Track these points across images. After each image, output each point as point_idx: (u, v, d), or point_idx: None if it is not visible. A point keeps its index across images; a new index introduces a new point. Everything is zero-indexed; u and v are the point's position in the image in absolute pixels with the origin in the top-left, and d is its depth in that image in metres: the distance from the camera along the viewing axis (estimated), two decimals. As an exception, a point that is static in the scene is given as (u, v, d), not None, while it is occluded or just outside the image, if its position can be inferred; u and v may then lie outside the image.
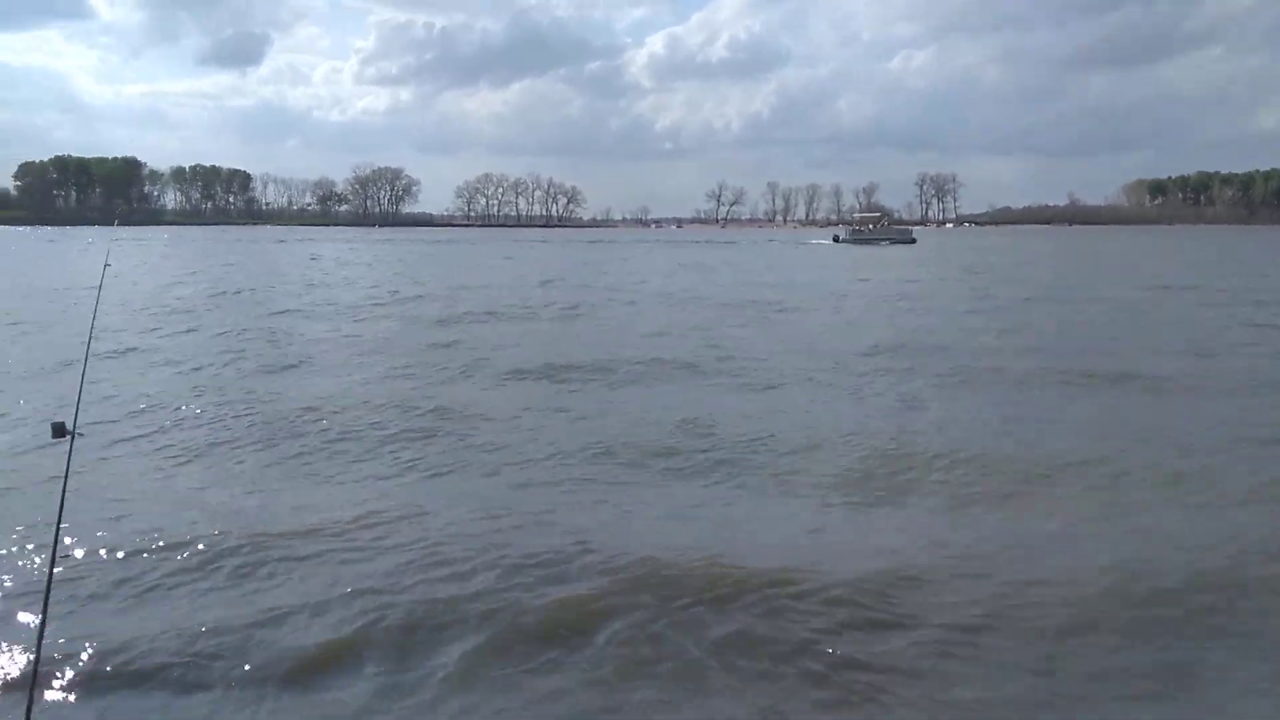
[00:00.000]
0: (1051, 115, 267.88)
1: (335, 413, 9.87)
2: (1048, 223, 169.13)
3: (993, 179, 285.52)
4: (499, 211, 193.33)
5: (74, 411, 3.42)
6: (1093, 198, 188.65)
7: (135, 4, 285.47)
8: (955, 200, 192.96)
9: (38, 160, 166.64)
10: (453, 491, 7.22)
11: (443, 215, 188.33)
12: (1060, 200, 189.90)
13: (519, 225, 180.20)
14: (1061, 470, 7.75)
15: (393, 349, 15.42)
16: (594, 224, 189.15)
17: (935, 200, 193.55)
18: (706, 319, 20.11)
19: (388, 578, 5.47)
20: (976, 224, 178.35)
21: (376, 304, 24.27)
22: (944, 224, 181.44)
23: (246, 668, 4.50)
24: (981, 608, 5.07)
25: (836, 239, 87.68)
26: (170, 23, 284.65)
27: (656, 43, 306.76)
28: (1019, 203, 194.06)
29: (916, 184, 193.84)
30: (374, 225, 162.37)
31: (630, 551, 5.76)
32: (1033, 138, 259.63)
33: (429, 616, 4.96)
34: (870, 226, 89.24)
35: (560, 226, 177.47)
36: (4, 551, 5.89)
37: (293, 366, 13.60)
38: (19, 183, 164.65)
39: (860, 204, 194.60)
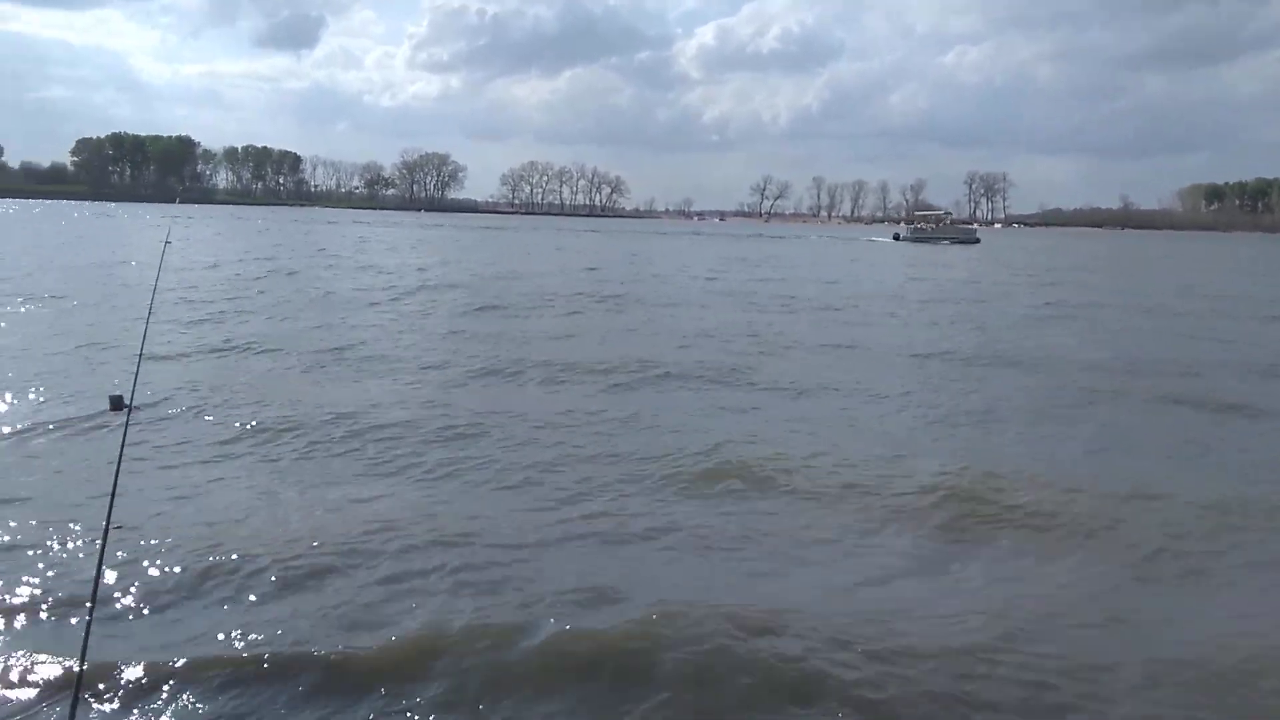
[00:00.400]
0: (1106, 115, 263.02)
1: (375, 409, 9.53)
2: (1099, 225, 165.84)
3: (1043, 179, 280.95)
4: (543, 199, 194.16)
5: (131, 386, 3.55)
6: (1146, 201, 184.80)
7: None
8: (1005, 200, 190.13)
9: (95, 137, 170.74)
10: (492, 504, 6.76)
11: (487, 202, 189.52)
12: (1113, 203, 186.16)
13: (562, 214, 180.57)
14: (1156, 509, 6.94)
15: (440, 338, 15.39)
16: (636, 214, 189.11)
17: (984, 199, 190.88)
18: (763, 321, 19.06)
19: (418, 593, 5.21)
20: (1026, 225, 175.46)
21: (424, 288, 24.46)
22: (992, 224, 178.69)
23: (289, 663, 4.40)
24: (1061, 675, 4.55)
25: (897, 237, 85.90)
26: (229, 4, 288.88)
27: (707, 33, 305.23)
28: (1070, 204, 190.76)
29: (966, 182, 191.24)
30: (419, 210, 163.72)
31: (666, 591, 5.26)
32: (1086, 138, 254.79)
33: (465, 636, 4.67)
34: (933, 225, 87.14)
35: (603, 216, 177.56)
36: (65, 516, 6.11)
37: (341, 351, 13.55)
38: (76, 159, 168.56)
39: (907, 201, 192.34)
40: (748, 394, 11.25)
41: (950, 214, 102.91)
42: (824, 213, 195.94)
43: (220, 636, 4.60)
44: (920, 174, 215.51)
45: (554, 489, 7.13)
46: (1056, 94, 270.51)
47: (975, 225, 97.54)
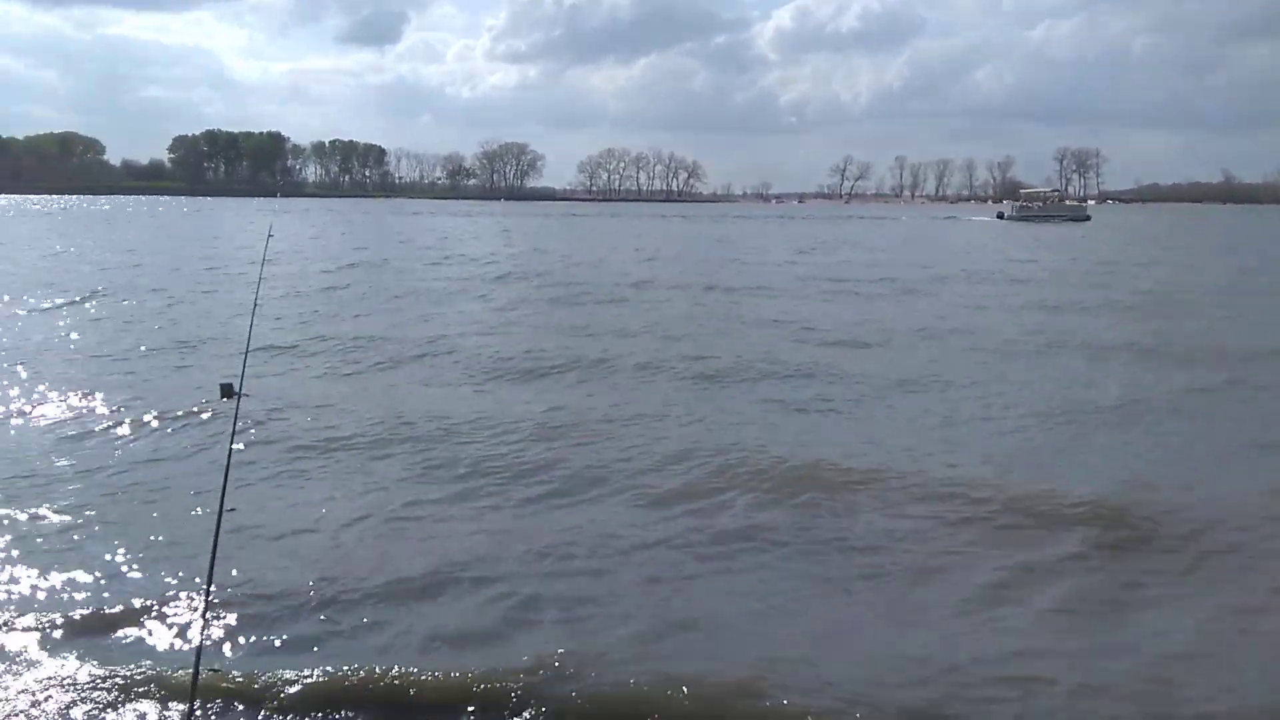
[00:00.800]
0: (1206, 87, 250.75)
1: (470, 409, 9.38)
2: (1198, 200, 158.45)
3: (1138, 154, 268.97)
4: (620, 186, 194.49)
5: (240, 374, 3.72)
6: (1249, 175, 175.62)
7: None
8: (1098, 176, 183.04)
9: (190, 134, 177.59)
10: (589, 526, 6.29)
11: (565, 189, 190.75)
12: (1213, 177, 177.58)
13: (639, 199, 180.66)
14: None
15: (530, 330, 15.41)
16: (714, 199, 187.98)
17: (1076, 175, 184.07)
18: (870, 312, 17.71)
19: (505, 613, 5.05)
20: (1120, 200, 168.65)
21: (512, 276, 24.89)
22: (1086, 200, 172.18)
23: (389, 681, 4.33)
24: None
25: (1001, 216, 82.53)
26: (314, 2, 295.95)
27: (785, 15, 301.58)
28: (1167, 179, 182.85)
29: (1056, 158, 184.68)
30: (500, 199, 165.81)
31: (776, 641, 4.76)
32: (1184, 111, 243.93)
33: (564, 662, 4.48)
34: (1040, 203, 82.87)
35: (680, 201, 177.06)
36: (181, 497, 6.56)
37: (434, 342, 13.72)
38: (173, 155, 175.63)
39: (995, 179, 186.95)
40: (860, 392, 10.41)
41: (1058, 190, 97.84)
42: (907, 193, 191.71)
43: (318, 649, 4.59)
44: (1007, 151, 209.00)
45: (647, 494, 6.82)
46: (1152, 66, 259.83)
47: (1085, 204, 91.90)
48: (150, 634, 4.69)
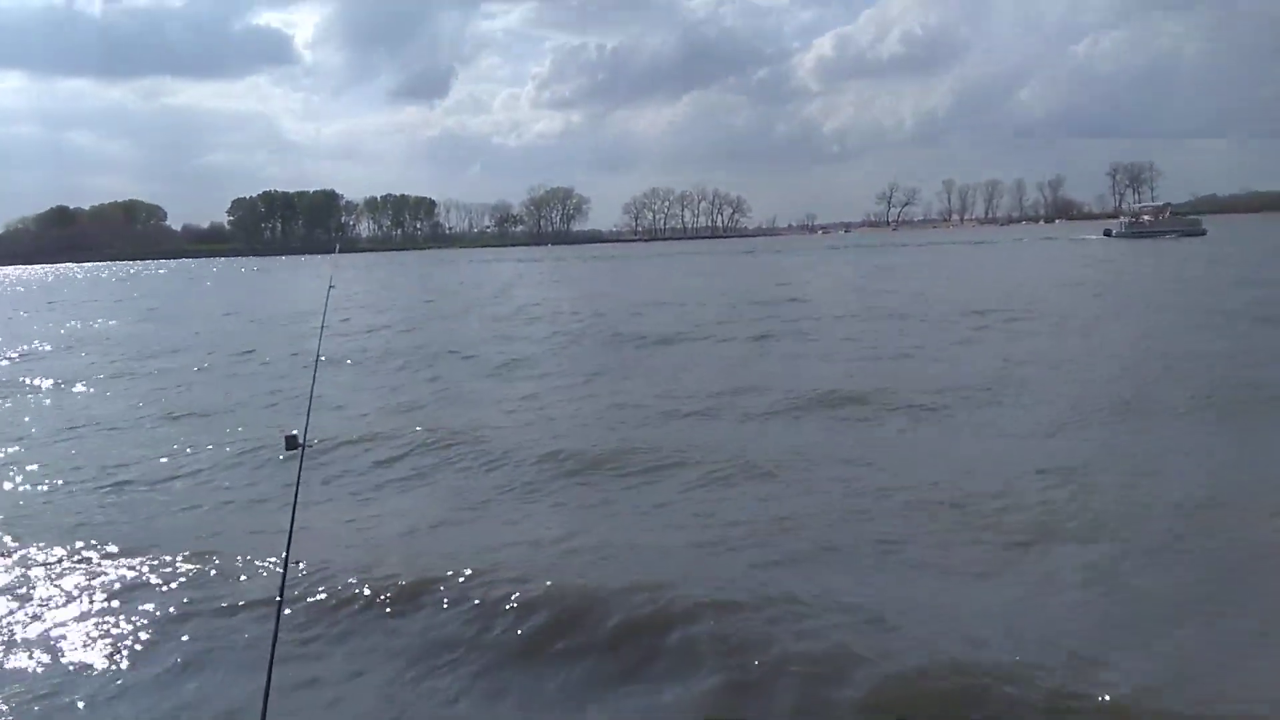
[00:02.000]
0: (1261, 94, 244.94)
1: (546, 444, 9.52)
2: (1257, 210, 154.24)
3: (1193, 165, 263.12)
4: (665, 225, 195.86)
5: (304, 426, 3.74)
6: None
7: (335, 47, 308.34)
8: (1153, 190, 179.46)
9: (248, 196, 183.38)
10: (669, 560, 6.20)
11: (610, 231, 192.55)
12: (1275, 185, 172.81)
13: (684, 238, 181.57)
14: None
15: (587, 377, 14.88)
16: (759, 233, 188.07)
17: (1130, 190, 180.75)
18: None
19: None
20: (1179, 213, 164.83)
21: (571, 321, 24.97)
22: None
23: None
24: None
25: (1109, 233, 78.42)
26: (366, 63, 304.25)
27: (825, 44, 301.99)
28: (1225, 189, 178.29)
29: (1109, 174, 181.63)
30: (547, 244, 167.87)
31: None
32: (1241, 119, 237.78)
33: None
34: (1151, 217, 78.17)
35: (725, 237, 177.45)
36: (246, 550, 6.66)
37: (494, 380, 13.95)
38: (232, 218, 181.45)
39: (1045, 198, 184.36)
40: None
41: (1169, 204, 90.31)
42: (955, 216, 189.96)
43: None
44: (1057, 170, 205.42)
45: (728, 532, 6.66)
46: (1204, 75, 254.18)
47: (1199, 216, 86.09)
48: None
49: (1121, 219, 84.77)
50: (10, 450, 10.81)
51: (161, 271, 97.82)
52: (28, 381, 16.73)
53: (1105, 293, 27.31)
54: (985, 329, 18.53)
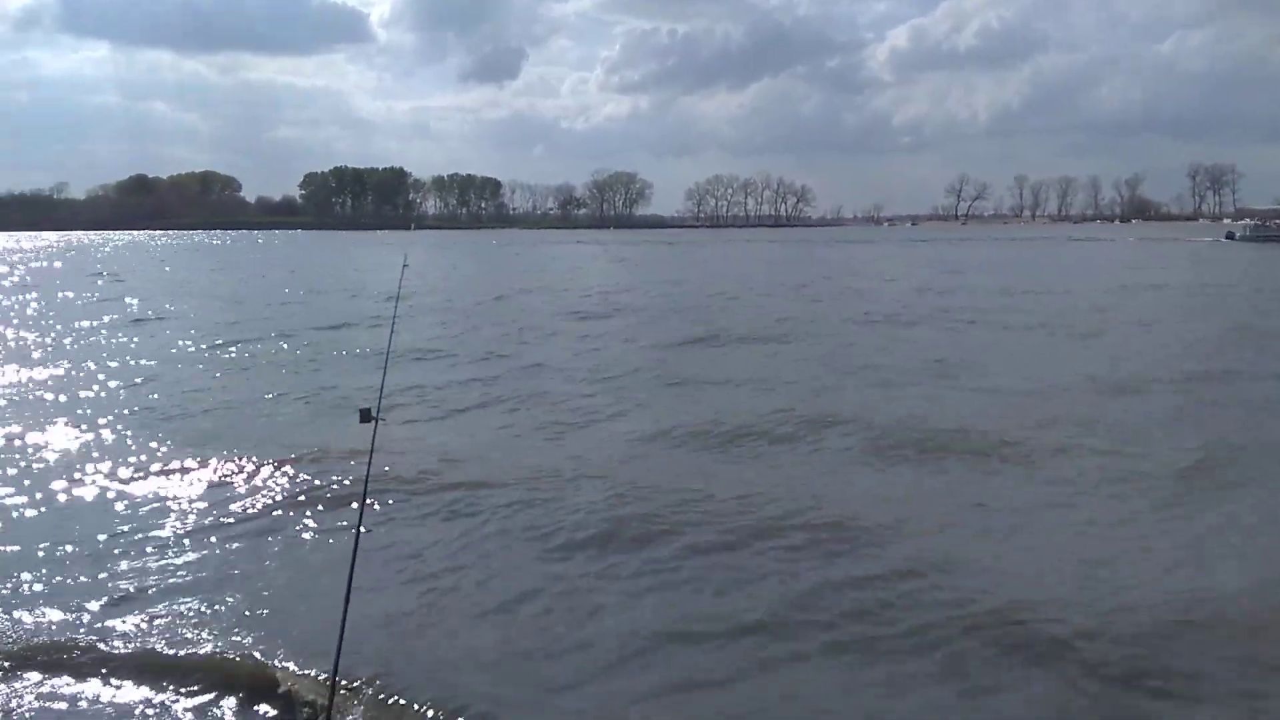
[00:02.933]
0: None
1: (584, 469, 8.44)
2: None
3: (1275, 170, 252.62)
4: (728, 212, 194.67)
5: (378, 400, 3.88)
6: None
7: (409, 26, 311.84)
8: (1234, 193, 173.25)
9: (319, 171, 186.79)
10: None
11: (673, 216, 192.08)
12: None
13: (747, 225, 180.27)
14: None
15: (652, 379, 13.76)
16: (823, 223, 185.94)
17: (1210, 193, 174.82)
18: None
19: None
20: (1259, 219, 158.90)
21: (630, 310, 24.82)
22: (1221, 219, 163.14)
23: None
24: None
25: (1232, 236, 73.93)
26: (439, 43, 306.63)
27: (900, 35, 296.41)
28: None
29: (1189, 175, 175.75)
30: (609, 227, 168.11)
31: None
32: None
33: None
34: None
35: (788, 226, 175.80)
36: (322, 517, 7.18)
37: (556, 392, 12.78)
38: (303, 192, 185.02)
39: (1122, 197, 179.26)
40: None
41: None
42: (1027, 212, 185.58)
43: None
44: (1133, 168, 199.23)
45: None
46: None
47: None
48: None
49: (1246, 221, 78.42)
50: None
51: (260, 241, 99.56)
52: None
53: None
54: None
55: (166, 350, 17.36)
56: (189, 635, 5.28)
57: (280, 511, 7.52)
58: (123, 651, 5.09)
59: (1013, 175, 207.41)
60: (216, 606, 5.68)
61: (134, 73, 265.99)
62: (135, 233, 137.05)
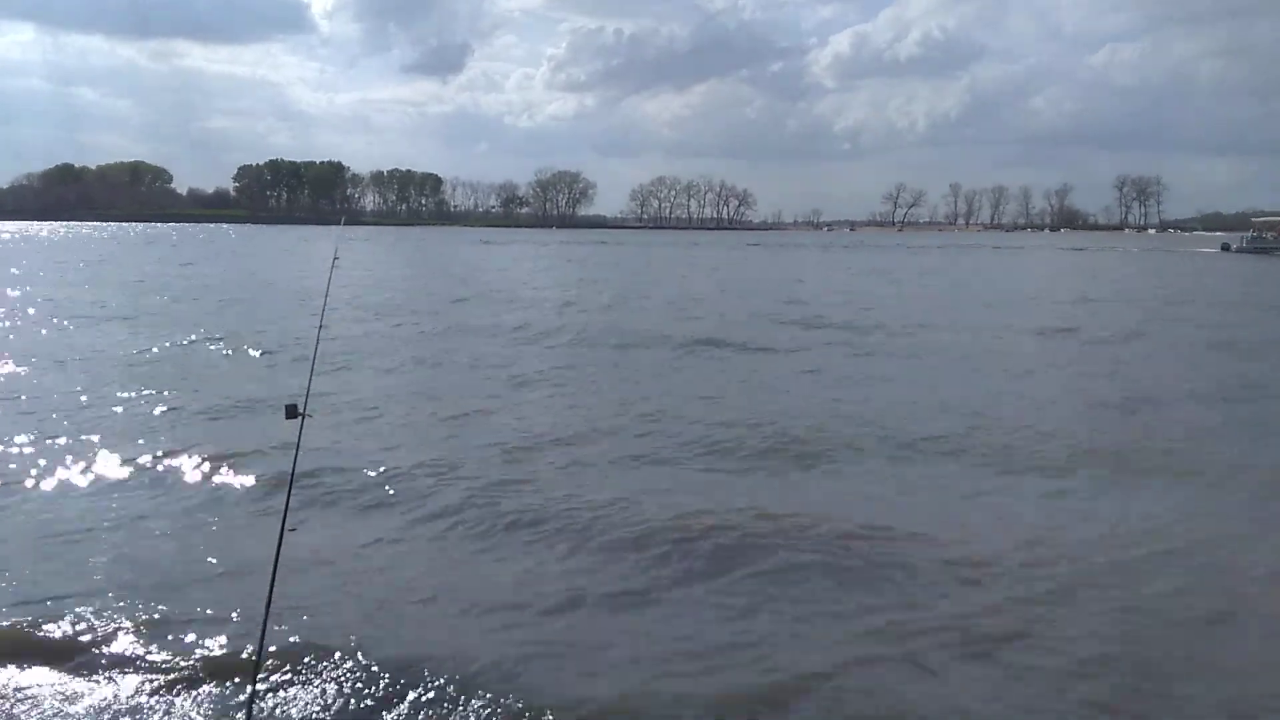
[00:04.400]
0: (1274, 112, 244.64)
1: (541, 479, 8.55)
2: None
3: (1201, 182, 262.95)
4: (670, 214, 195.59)
5: (304, 396, 3.90)
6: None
7: (352, 17, 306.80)
8: (1159, 204, 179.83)
9: (255, 164, 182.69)
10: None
11: (616, 217, 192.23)
12: (1278, 205, 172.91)
13: (689, 228, 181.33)
14: None
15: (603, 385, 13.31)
16: (764, 226, 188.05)
17: (1136, 204, 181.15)
18: None
19: None
20: (1182, 230, 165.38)
21: (575, 311, 24.80)
22: (1146, 229, 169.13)
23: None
24: None
25: (1227, 247, 70.05)
26: (383, 34, 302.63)
27: (843, 41, 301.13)
28: (1231, 207, 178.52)
29: (1116, 186, 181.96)
30: (552, 226, 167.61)
31: None
32: (1252, 137, 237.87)
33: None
34: (1276, 234, 69.48)
35: (730, 229, 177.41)
36: (249, 509, 7.36)
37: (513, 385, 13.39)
38: (238, 184, 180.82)
39: (1052, 206, 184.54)
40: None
41: None
42: (961, 220, 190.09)
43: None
44: (1064, 178, 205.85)
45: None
46: (1220, 92, 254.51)
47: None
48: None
49: (1244, 234, 75.00)
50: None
51: (201, 236, 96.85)
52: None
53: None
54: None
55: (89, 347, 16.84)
56: (110, 629, 5.23)
57: (206, 501, 7.57)
58: (48, 646, 5.06)
59: (948, 184, 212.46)
60: (141, 599, 5.61)
61: (62, 56, 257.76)
62: (53, 225, 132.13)
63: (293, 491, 3.99)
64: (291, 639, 5.03)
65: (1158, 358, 16.57)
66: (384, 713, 4.47)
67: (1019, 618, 5.47)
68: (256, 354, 15.73)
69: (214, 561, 6.26)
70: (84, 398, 11.60)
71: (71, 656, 4.95)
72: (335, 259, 6.93)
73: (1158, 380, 13.86)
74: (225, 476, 8.14)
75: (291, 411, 3.90)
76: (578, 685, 4.75)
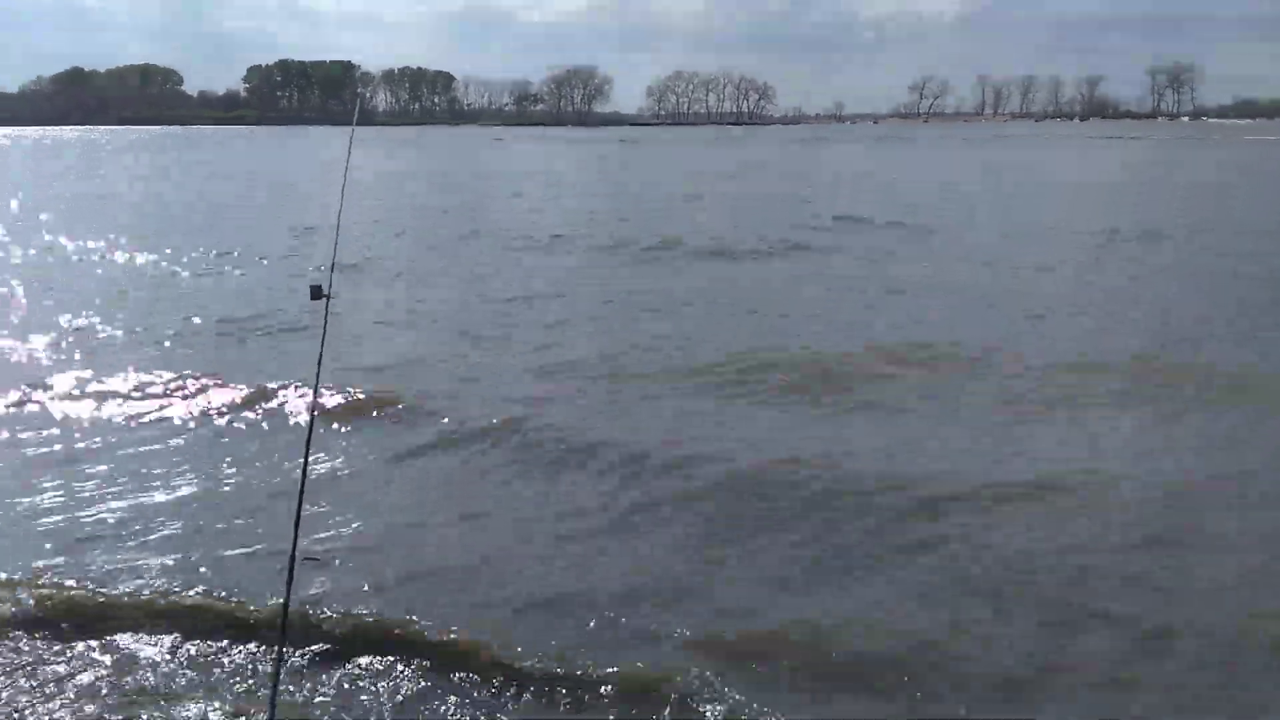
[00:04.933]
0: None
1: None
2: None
3: (1238, 69, 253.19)
4: (689, 109, 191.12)
5: (329, 277, 3.83)
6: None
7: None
8: (1193, 92, 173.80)
9: (264, 64, 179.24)
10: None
11: (634, 114, 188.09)
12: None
13: (709, 123, 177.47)
14: None
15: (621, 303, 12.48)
16: (784, 120, 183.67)
17: (1170, 92, 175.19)
18: None
19: None
20: (1217, 118, 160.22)
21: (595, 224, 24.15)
22: (1179, 117, 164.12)
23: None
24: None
25: None
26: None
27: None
28: (1268, 94, 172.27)
29: (1148, 73, 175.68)
30: (567, 125, 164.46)
31: None
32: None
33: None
34: None
35: (750, 124, 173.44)
36: (280, 386, 7.85)
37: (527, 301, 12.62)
38: (247, 85, 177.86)
39: (1082, 97, 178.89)
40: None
41: None
42: (989, 111, 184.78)
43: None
44: (1095, 66, 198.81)
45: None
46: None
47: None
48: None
49: None
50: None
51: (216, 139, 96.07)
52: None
53: None
54: None
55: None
56: (132, 572, 5.02)
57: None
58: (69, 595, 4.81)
59: (975, 75, 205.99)
60: (162, 537, 5.45)
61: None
62: (68, 129, 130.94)
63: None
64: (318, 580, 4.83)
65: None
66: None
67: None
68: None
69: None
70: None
71: (98, 608, 4.68)
72: (351, 149, 6.72)
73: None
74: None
75: (316, 293, 3.85)
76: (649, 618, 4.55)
